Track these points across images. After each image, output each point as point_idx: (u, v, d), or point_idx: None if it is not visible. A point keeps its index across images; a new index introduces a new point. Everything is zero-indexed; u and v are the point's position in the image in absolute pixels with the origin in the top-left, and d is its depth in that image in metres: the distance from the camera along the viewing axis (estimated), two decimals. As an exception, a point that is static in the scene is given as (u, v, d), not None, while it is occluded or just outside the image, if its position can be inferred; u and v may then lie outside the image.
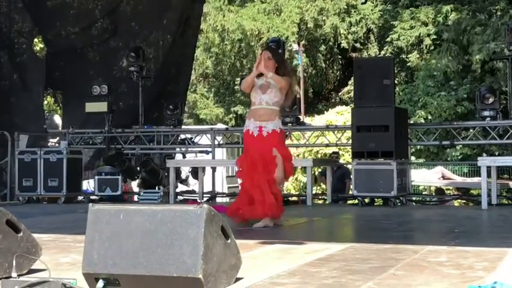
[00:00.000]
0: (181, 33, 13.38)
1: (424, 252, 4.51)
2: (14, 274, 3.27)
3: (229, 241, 3.29)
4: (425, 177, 16.84)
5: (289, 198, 11.18)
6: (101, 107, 11.57)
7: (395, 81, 11.12)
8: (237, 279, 3.38)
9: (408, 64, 24.48)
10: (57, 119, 14.87)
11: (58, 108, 18.02)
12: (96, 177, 10.66)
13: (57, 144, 12.19)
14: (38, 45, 16.07)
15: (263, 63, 6.38)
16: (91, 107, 11.63)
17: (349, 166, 10.97)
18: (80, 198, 10.98)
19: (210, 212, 3.15)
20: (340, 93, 28.53)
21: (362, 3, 27.31)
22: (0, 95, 11.75)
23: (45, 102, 16.81)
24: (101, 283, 3.11)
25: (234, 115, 28.97)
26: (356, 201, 9.51)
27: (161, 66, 13.21)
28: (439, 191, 15.40)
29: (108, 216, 3.25)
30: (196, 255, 3.03)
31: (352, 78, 11.91)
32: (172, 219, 3.14)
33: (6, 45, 12.06)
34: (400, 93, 22.15)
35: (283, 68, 6.54)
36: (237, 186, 18.66)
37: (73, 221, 7.36)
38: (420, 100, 21.53)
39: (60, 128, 13.44)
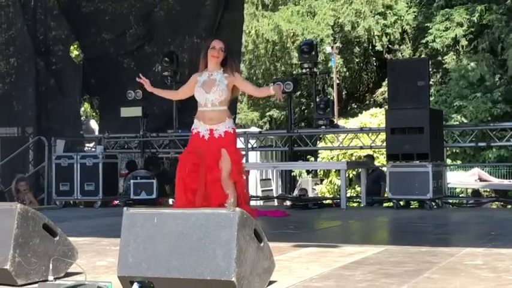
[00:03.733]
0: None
1: (460, 255, 4.45)
2: (50, 277, 3.31)
3: (262, 244, 3.29)
4: (462, 179, 16.66)
5: (324, 201, 11.12)
6: (136, 111, 11.70)
7: (431, 83, 11.03)
8: (271, 283, 3.39)
9: (444, 66, 24.23)
10: (93, 124, 15.07)
11: (95, 113, 18.25)
12: (132, 181, 10.76)
13: (93, 149, 12.34)
14: (74, 51, 16.31)
15: (215, 53, 5.72)
16: (126, 111, 11.77)
17: (384, 168, 10.90)
18: (116, 202, 11.10)
19: (243, 215, 3.15)
20: (374, 95, 28.36)
21: (397, 4, 27.13)
22: (38, 100, 11.94)
23: (82, 108, 17.05)
24: (135, 286, 3.14)
25: (269, 119, 29.02)
26: (391, 203, 9.43)
27: (195, 71, 13.24)
28: (476, 193, 15.21)
29: (142, 220, 3.28)
30: (229, 258, 3.04)
31: (386, 80, 11.81)
32: (206, 223, 3.16)
33: (43, 51, 12.26)
34: (435, 95, 21.94)
35: (231, 59, 5.88)
36: (271, 189, 18.72)
37: (110, 224, 7.44)
38: (454, 102, 21.30)
39: (96, 133, 13.60)
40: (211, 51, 5.75)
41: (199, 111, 5.82)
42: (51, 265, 3.39)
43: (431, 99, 17.28)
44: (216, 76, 5.75)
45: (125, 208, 3.36)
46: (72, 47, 14.93)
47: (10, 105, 12.14)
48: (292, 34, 27.13)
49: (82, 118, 15.29)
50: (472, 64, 21.62)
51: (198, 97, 5.81)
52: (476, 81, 21.48)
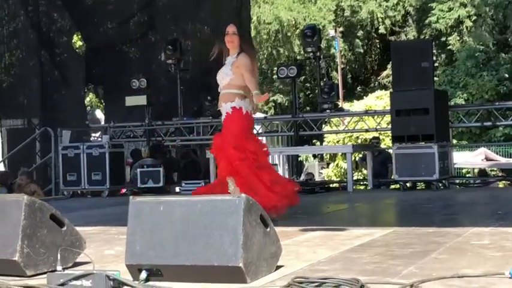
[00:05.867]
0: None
1: (466, 235, 4.46)
2: (59, 267, 3.34)
3: (268, 229, 3.31)
4: (469, 159, 16.62)
5: (330, 185, 11.14)
6: (141, 100, 11.71)
7: (435, 64, 11.00)
8: (278, 267, 3.40)
9: (449, 47, 24.12)
10: (99, 114, 15.11)
11: (100, 103, 18.28)
12: (138, 169, 10.79)
13: (99, 139, 12.37)
14: (78, 42, 16.31)
15: (228, 38, 5.77)
16: (131, 100, 11.79)
17: (390, 150, 10.89)
18: (124, 191, 11.14)
19: (249, 201, 3.17)
20: (379, 78, 28.27)
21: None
22: (43, 92, 11.98)
23: (88, 98, 17.08)
24: (144, 274, 3.16)
25: (273, 104, 28.96)
26: (398, 185, 9.43)
27: (199, 58, 13.27)
28: (483, 172, 15.18)
29: (148, 208, 3.30)
30: (236, 244, 3.06)
31: (391, 62, 11.78)
32: (212, 209, 3.17)
33: (47, 43, 12.29)
34: (440, 76, 21.86)
35: (245, 43, 5.90)
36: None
37: (117, 213, 7.45)
38: (461, 81, 21.23)
39: (102, 123, 13.64)
40: (226, 37, 5.82)
41: None
42: (59, 255, 3.41)
43: (436, 79, 17.24)
44: (228, 60, 5.83)
45: (131, 197, 3.38)
46: (75, 37, 14.94)
47: (16, 97, 12.19)
48: (293, 22, 27.02)
49: (87, 108, 15.32)
50: (473, 33, 21.50)
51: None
52: (482, 60, 21.39)
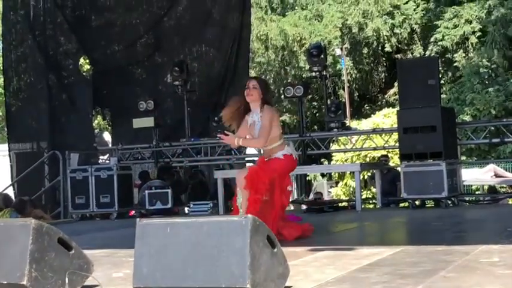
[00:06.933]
0: (232, 46, 13.44)
1: (476, 253, 4.43)
2: (67, 291, 3.34)
3: (275, 250, 3.30)
4: (478, 176, 16.54)
5: (339, 204, 11.10)
6: (148, 122, 11.76)
7: (441, 81, 10.99)
8: (286, 288, 3.39)
9: (455, 64, 24.13)
10: (107, 136, 15.14)
11: (107, 125, 18.34)
12: (147, 191, 10.79)
13: (107, 161, 12.40)
14: (86, 65, 16.41)
15: (247, 92, 5.87)
16: (138, 122, 11.83)
17: (398, 168, 10.86)
18: (133, 213, 11.14)
19: (255, 222, 3.16)
20: (386, 96, 28.29)
21: (404, 3, 27.06)
22: (51, 115, 12.03)
23: (95, 120, 17.14)
24: (151, 296, 3.15)
25: (281, 123, 29.00)
26: (407, 204, 9.39)
27: (205, 79, 13.34)
28: (492, 189, 15.10)
29: (155, 230, 3.30)
30: (243, 265, 3.05)
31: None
32: (218, 231, 3.17)
33: (54, 66, 12.36)
34: (447, 93, 21.85)
35: (267, 95, 6.00)
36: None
37: (126, 236, 7.43)
38: (467, 98, 21.21)
39: (109, 145, 13.68)
40: (246, 91, 5.90)
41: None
42: (67, 279, 3.41)
43: (443, 97, 17.19)
44: (255, 118, 5.94)
45: (137, 219, 3.38)
46: (83, 61, 15.03)
47: (24, 121, 12.25)
48: (299, 38, 27.15)
49: (95, 130, 15.36)
50: (484, 61, 21.52)
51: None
52: (488, 77, 21.38)
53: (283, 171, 5.97)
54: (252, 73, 29.26)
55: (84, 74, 14.30)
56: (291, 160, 5.97)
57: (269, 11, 29.06)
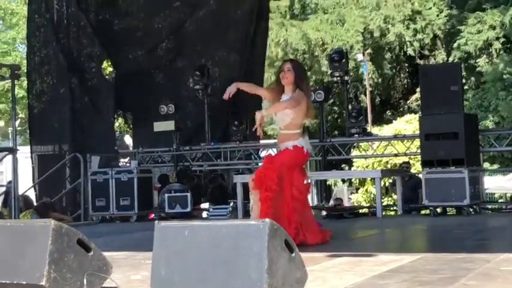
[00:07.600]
0: (250, 50, 13.50)
1: (496, 261, 4.38)
2: (85, 292, 3.35)
3: (293, 255, 3.28)
4: (501, 184, 16.38)
5: (359, 210, 11.04)
6: (169, 125, 11.81)
7: (464, 87, 10.91)
8: (303, 293, 3.36)
9: (478, 69, 23.93)
10: (128, 139, 15.22)
11: (128, 128, 18.42)
12: (166, 194, 10.82)
13: (127, 164, 12.46)
14: (108, 68, 16.51)
15: (282, 74, 6.00)
16: (159, 126, 11.89)
17: (420, 175, 10.78)
18: (153, 216, 11.17)
19: (273, 226, 3.15)
20: (408, 101, 28.10)
21: (427, 9, 26.89)
22: (72, 118, 12.11)
23: (116, 123, 17.23)
24: (168, 299, 3.15)
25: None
26: (428, 211, 9.31)
27: (226, 83, 13.33)
28: (515, 197, 14.95)
29: (173, 233, 3.30)
30: (260, 269, 3.03)
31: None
32: (236, 234, 3.16)
33: (77, 69, 12.44)
34: (470, 99, 21.66)
35: (301, 80, 6.04)
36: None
37: (145, 238, 7.44)
38: (491, 104, 21.01)
39: (130, 148, 13.74)
40: (281, 74, 5.99)
41: None
42: (85, 280, 3.43)
43: (466, 103, 17.03)
44: (284, 98, 5.97)
45: (156, 222, 3.39)
46: (105, 64, 15.12)
47: (46, 123, 12.33)
48: (321, 43, 27.08)
49: (116, 133, 15.43)
50: (508, 68, 21.32)
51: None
52: (511, 82, 21.18)
53: (291, 164, 5.94)
54: (273, 78, 29.24)
55: (106, 77, 14.39)
56: (300, 152, 5.95)
57: (288, 16, 28.98)
